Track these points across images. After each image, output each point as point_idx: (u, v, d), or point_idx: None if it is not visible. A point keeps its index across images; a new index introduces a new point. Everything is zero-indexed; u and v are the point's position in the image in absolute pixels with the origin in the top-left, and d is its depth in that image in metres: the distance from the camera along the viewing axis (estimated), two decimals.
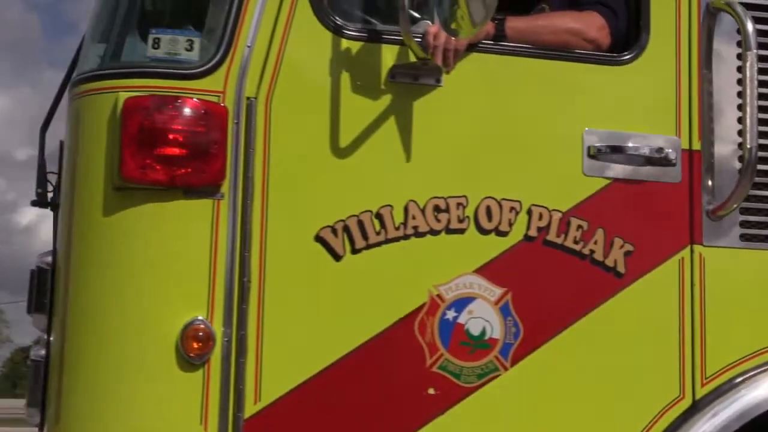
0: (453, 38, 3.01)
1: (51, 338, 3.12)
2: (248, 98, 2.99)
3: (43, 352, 3.14)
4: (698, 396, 3.20)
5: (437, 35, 3.02)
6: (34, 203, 3.56)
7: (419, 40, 3.04)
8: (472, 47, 3.12)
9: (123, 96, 2.93)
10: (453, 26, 2.94)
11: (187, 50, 3.01)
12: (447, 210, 3.09)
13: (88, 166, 3.01)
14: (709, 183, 3.28)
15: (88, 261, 2.98)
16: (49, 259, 3.18)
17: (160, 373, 2.90)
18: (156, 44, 3.00)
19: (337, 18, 3.08)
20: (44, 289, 3.15)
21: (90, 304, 2.96)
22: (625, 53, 3.28)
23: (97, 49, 3.27)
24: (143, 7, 3.25)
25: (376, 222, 3.04)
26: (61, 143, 3.55)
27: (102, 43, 3.28)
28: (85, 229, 3.00)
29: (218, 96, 2.98)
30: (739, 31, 3.30)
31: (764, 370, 3.24)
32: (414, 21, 3.11)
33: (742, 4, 3.30)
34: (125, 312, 2.93)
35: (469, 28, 2.91)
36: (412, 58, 3.10)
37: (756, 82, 3.22)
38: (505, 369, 3.08)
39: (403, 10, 2.89)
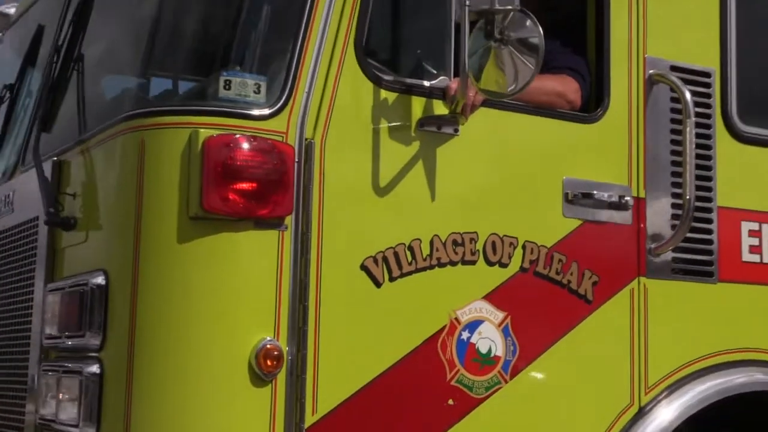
0: (474, 95, 3.49)
1: (105, 355, 3.29)
2: (307, 139, 3.31)
3: (94, 369, 3.29)
4: (643, 403, 3.85)
5: (464, 91, 3.47)
6: (48, 223, 3.66)
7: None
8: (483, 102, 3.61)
9: (203, 133, 3.18)
10: (482, 86, 3.40)
11: (255, 93, 3.29)
12: (462, 244, 3.55)
13: (160, 196, 3.22)
14: (651, 225, 3.94)
15: (160, 284, 3.20)
16: (98, 280, 3.32)
17: (233, 388, 3.17)
18: (227, 86, 3.26)
19: (377, 70, 3.47)
20: (98, 308, 3.30)
21: (162, 324, 3.18)
22: (593, 114, 3.88)
23: (143, 84, 3.46)
24: (206, 47, 3.47)
25: (408, 253, 3.45)
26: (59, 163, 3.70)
27: (143, 78, 3.48)
28: (156, 255, 3.21)
29: (282, 136, 3.29)
30: (674, 99, 3.98)
31: (692, 379, 3.93)
32: (432, 76, 3.55)
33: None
34: (198, 332, 3.18)
35: (499, 92, 3.39)
36: (436, 110, 3.54)
37: (694, 144, 3.92)
38: (506, 382, 3.59)
39: (464, 73, 3.31)
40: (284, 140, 3.28)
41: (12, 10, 5.70)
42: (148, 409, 3.17)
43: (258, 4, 3.49)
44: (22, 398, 3.85)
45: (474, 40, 3.35)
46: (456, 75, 3.50)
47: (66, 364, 3.44)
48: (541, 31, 3.32)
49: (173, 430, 3.15)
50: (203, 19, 3.50)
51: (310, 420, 3.25)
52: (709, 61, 4.15)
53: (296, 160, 3.29)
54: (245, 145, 3.19)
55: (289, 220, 3.28)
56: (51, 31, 4.34)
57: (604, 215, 3.84)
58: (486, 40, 3.33)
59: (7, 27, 5.66)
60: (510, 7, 3.29)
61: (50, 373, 3.54)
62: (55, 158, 3.82)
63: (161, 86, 3.50)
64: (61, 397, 3.42)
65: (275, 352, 3.19)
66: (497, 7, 3.29)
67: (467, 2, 3.27)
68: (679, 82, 3.95)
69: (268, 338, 3.21)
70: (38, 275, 3.84)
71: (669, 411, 3.87)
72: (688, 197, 3.90)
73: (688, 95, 3.92)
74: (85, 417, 3.28)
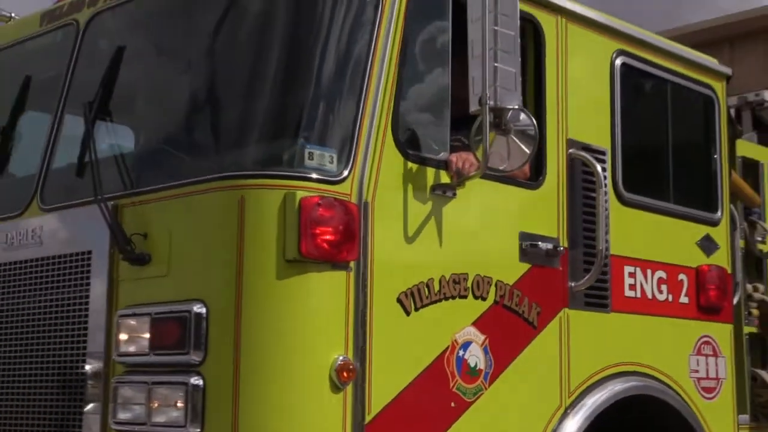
0: (471, 165, 4.56)
1: (205, 369, 4.08)
2: (364, 201, 4.27)
3: (198, 381, 4.07)
4: (567, 404, 5.05)
5: (462, 163, 4.55)
6: (125, 258, 4.37)
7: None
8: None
9: (299, 194, 4.07)
10: (488, 163, 4.48)
11: (330, 163, 4.22)
12: (459, 282, 4.62)
13: (260, 242, 4.08)
14: (572, 269, 5.15)
15: (261, 313, 4.05)
16: (198, 308, 4.11)
17: (318, 395, 4.07)
18: (311, 157, 4.17)
19: (406, 146, 4.47)
20: (200, 331, 4.09)
21: (263, 345, 4.03)
22: (536, 182, 5.05)
23: (231, 147, 4.30)
24: (289, 121, 4.33)
25: (426, 289, 4.48)
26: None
27: (231, 142, 4.33)
28: (257, 289, 4.06)
29: (348, 197, 4.23)
30: (585, 172, 5.23)
31: (598, 384, 5.17)
32: (437, 152, 4.61)
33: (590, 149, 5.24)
34: (292, 350, 4.06)
35: (500, 169, 4.49)
36: (443, 179, 4.59)
37: (605, 208, 5.18)
38: (486, 389, 4.67)
39: (485, 155, 4.38)
40: (349, 200, 4.23)
41: None
42: (252, 411, 4.01)
43: (329, 93, 4.39)
44: (79, 407, 4.51)
45: (477, 127, 4.43)
46: (453, 151, 4.58)
47: (160, 377, 4.18)
48: (536, 125, 4.47)
49: (273, 427, 4.00)
50: (284, 96, 4.36)
51: (367, 418, 4.20)
52: (604, 142, 5.44)
53: (359, 217, 4.24)
54: (329, 204, 4.11)
55: (353, 264, 4.22)
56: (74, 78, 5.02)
57: (544, 261, 5.02)
58: (492, 129, 4.41)
59: None
60: (517, 106, 4.39)
61: (134, 384, 4.26)
62: (112, 202, 4.53)
63: (247, 151, 4.32)
64: (157, 404, 4.16)
65: (350, 366, 4.12)
66: (507, 106, 4.38)
67: (489, 102, 4.33)
68: (592, 159, 5.21)
69: (343, 356, 4.13)
70: (95, 301, 4.53)
71: (583, 410, 5.09)
72: (600, 248, 5.16)
73: (599, 169, 5.19)
74: (192, 419, 4.05)
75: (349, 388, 4.16)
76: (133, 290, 4.45)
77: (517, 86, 4.39)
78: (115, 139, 4.78)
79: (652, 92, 5.92)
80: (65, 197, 4.91)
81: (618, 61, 5.59)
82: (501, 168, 4.50)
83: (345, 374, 4.12)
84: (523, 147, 4.45)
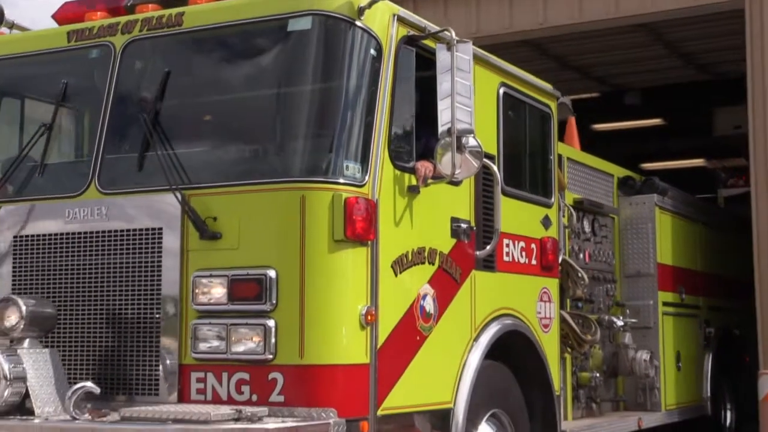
0: (429, 171, 6.59)
1: (276, 314, 5.90)
2: (376, 198, 6.20)
3: (272, 323, 5.89)
4: (474, 335, 7.20)
5: (425, 170, 6.56)
6: (203, 236, 6.07)
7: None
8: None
9: (344, 195, 5.96)
10: (443, 170, 6.51)
11: (357, 173, 6.12)
12: (420, 253, 6.64)
13: (317, 228, 5.94)
14: (477, 242, 7.28)
15: (318, 275, 5.92)
16: (271, 272, 5.91)
17: (353, 330, 6.01)
18: (347, 169, 6.06)
19: (395, 158, 6.43)
20: (272, 288, 5.90)
21: (320, 297, 5.91)
22: (459, 180, 7.14)
23: (288, 157, 6.11)
24: (331, 142, 6.16)
25: (405, 258, 6.47)
26: None
27: (287, 152, 6.15)
28: (315, 259, 5.92)
29: (367, 196, 6.15)
30: (486, 171, 7.38)
31: (491, 321, 7.36)
32: (410, 161, 6.61)
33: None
34: (339, 299, 5.97)
35: (448, 176, 6.54)
36: (412, 182, 6.58)
37: (500, 198, 7.35)
38: (435, 327, 6.73)
39: (453, 167, 6.39)
40: (369, 198, 6.15)
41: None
42: (310, 342, 5.89)
43: (356, 124, 6.25)
44: (156, 344, 6.18)
45: (441, 145, 6.44)
46: (417, 160, 6.61)
47: (239, 321, 5.95)
48: (482, 146, 6.54)
49: (324, 351, 5.90)
50: (327, 124, 6.20)
51: (378, 345, 6.17)
52: (493, 149, 7.59)
53: (374, 210, 6.17)
54: (362, 202, 6.03)
55: (370, 242, 6.15)
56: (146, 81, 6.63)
57: (463, 236, 7.12)
58: (453, 149, 6.44)
59: None
60: (471, 135, 6.44)
61: (213, 325, 6.00)
62: (180, 193, 6.20)
63: (303, 163, 6.13)
64: (235, 339, 5.94)
65: (372, 312, 6.08)
66: (464, 134, 6.41)
67: (456, 128, 6.33)
68: (491, 164, 7.35)
69: (367, 305, 6.08)
70: (167, 264, 6.20)
71: (484, 338, 7.27)
72: (497, 227, 7.33)
73: (495, 169, 7.34)
74: (268, 349, 5.88)
75: (370, 327, 6.11)
76: (203, 258, 6.16)
77: (471, 120, 6.43)
78: (174, 143, 6.41)
79: (516, 111, 8.12)
80: (123, 185, 6.49)
81: (501, 90, 7.75)
82: (455, 174, 6.54)
83: (369, 317, 6.07)
84: (472, 161, 6.51)
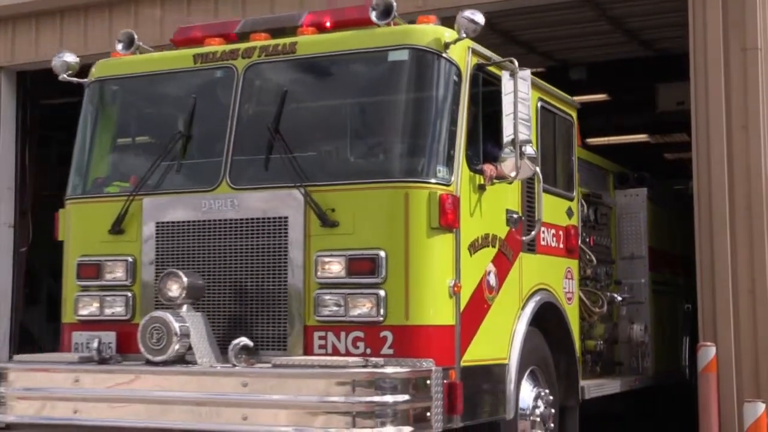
0: (494, 172, 8.23)
1: (386, 286, 7.52)
2: (458, 195, 7.84)
3: (383, 292, 7.51)
4: (520, 306, 8.88)
5: (491, 171, 8.21)
6: (324, 224, 7.68)
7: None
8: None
9: (438, 192, 7.60)
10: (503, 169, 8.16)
11: (447, 175, 7.76)
12: (486, 237, 8.29)
13: (417, 217, 7.57)
14: (524, 231, 8.95)
15: (419, 256, 7.56)
16: (382, 253, 7.52)
17: (443, 299, 7.65)
18: (439, 171, 7.69)
19: (469, 162, 8.06)
20: (383, 265, 7.52)
21: (422, 274, 7.56)
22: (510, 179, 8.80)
23: (393, 161, 7.73)
24: (428, 148, 7.77)
25: (477, 242, 8.12)
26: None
27: (393, 157, 7.75)
28: (416, 241, 7.56)
29: (453, 193, 7.78)
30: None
31: (534, 294, 9.04)
32: (479, 164, 8.25)
33: None
34: (433, 274, 7.61)
35: (510, 177, 8.19)
36: (481, 181, 8.23)
37: (540, 194, 9.04)
38: (496, 297, 8.39)
39: (516, 171, 8.04)
40: (455, 194, 7.79)
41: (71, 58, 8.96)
42: (413, 307, 7.51)
43: (444, 135, 7.87)
44: (285, 310, 7.77)
45: (506, 152, 8.08)
46: (486, 163, 8.26)
47: (356, 291, 7.56)
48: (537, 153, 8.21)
49: (423, 313, 7.53)
50: (424, 135, 7.82)
51: (461, 309, 7.82)
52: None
53: (458, 204, 7.81)
54: (451, 198, 7.67)
55: (455, 230, 7.79)
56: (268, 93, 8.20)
57: (513, 225, 8.79)
58: (516, 156, 8.08)
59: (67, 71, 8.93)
60: (529, 145, 8.09)
61: (334, 294, 7.61)
62: (301, 189, 7.79)
63: (405, 166, 7.73)
64: (352, 305, 7.55)
65: (458, 285, 7.72)
66: (525, 144, 8.06)
67: (519, 137, 7.98)
68: (535, 167, 9.01)
69: (454, 279, 7.72)
70: (294, 246, 7.79)
71: (528, 308, 8.95)
72: (538, 218, 9.00)
73: (538, 170, 9.02)
74: (378, 313, 7.50)
75: (456, 297, 7.76)
76: (323, 241, 7.75)
77: (530, 132, 8.10)
78: (293, 148, 7.98)
79: (549, 120, 9.79)
80: (250, 182, 8.06)
81: (539, 104, 9.43)
82: (513, 176, 8.18)
83: (456, 288, 7.73)
84: (529, 165, 8.17)
